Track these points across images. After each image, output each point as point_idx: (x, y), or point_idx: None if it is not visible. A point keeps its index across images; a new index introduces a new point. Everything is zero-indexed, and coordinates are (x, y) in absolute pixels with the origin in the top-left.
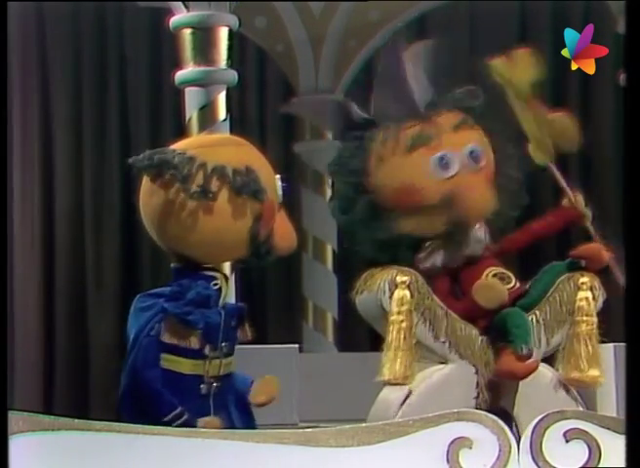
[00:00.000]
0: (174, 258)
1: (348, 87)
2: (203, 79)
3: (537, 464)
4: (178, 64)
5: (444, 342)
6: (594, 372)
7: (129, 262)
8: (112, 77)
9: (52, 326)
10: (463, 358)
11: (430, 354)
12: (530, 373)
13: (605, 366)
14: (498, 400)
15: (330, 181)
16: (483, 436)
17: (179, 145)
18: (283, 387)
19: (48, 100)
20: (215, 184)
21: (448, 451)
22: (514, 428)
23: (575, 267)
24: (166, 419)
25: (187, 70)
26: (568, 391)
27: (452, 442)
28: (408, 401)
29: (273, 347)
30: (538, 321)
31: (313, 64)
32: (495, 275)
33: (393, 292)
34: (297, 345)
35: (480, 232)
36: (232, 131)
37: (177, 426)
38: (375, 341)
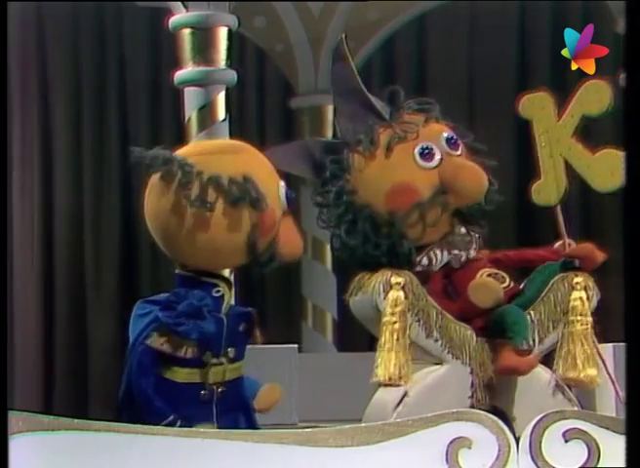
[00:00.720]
0: (177, 265)
1: None
2: (202, 79)
3: (536, 464)
4: (177, 64)
5: (438, 343)
6: (591, 372)
7: (128, 262)
8: (112, 77)
9: (51, 326)
10: (458, 358)
11: (425, 355)
12: (532, 368)
13: (608, 362)
14: (493, 400)
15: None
16: (482, 436)
17: (179, 151)
18: (282, 387)
19: (47, 100)
20: (211, 195)
21: (447, 451)
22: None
23: (569, 267)
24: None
25: (187, 70)
26: (564, 391)
27: (451, 442)
28: (403, 401)
29: (273, 347)
30: (532, 321)
31: (312, 64)
32: (489, 275)
33: (388, 293)
34: (296, 345)
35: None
36: (231, 131)
37: None
38: (374, 341)
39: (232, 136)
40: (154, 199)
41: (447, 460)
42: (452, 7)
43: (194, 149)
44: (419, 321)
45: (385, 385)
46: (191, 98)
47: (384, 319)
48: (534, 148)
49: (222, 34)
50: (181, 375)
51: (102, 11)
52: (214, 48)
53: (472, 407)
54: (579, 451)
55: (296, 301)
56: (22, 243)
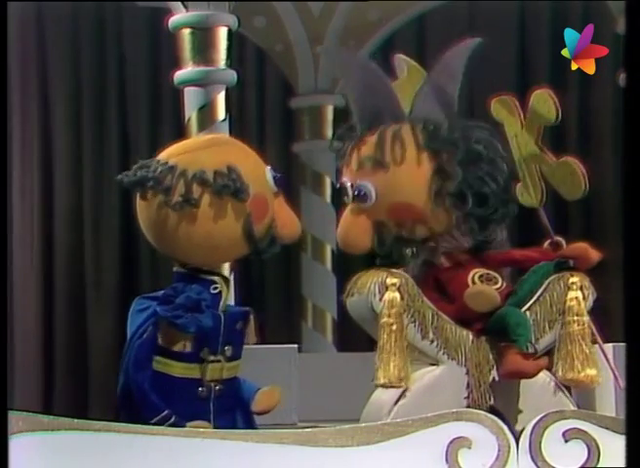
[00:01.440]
0: (176, 263)
1: None
2: (202, 79)
3: (536, 464)
4: (177, 64)
5: (434, 344)
6: (591, 372)
7: (128, 262)
8: (111, 77)
9: (51, 326)
10: (454, 359)
11: (421, 356)
12: (539, 370)
13: (603, 365)
14: (489, 400)
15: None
16: (482, 436)
17: (163, 154)
18: (282, 387)
19: (47, 100)
20: (196, 191)
21: (447, 451)
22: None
23: (563, 267)
24: (153, 422)
25: (187, 70)
26: (561, 391)
27: (451, 442)
28: (400, 402)
29: (272, 347)
30: (530, 322)
31: (312, 64)
32: (481, 276)
33: (383, 294)
34: (296, 345)
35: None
36: (231, 131)
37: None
38: (374, 341)
39: (232, 135)
40: (144, 211)
41: (447, 460)
42: (452, 7)
43: (175, 150)
44: (414, 322)
45: (386, 387)
46: (191, 98)
47: (382, 321)
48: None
49: (222, 34)
50: (178, 370)
51: (102, 11)
52: (214, 48)
53: (468, 407)
54: (578, 451)
55: (296, 301)
56: (22, 243)
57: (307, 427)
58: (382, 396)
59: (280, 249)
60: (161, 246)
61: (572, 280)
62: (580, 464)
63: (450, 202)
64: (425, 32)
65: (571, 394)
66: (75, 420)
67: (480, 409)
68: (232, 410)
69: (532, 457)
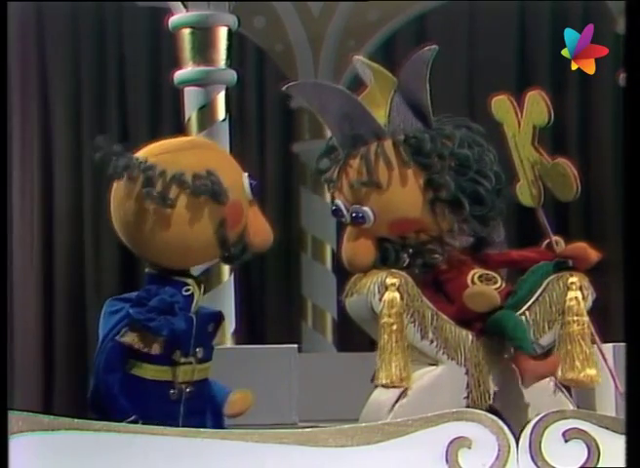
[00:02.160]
0: (147, 264)
1: (347, 86)
2: (202, 79)
3: (536, 464)
4: (177, 64)
5: (434, 344)
6: (591, 372)
7: (128, 263)
8: (111, 77)
9: (51, 326)
10: (453, 359)
11: (421, 356)
12: (557, 367)
13: (603, 365)
14: (489, 400)
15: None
16: (482, 436)
17: (141, 152)
18: (282, 387)
19: (47, 100)
20: (173, 191)
21: (447, 451)
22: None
23: (562, 267)
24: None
25: (186, 70)
26: (561, 391)
27: (451, 441)
28: (399, 402)
29: (272, 347)
30: (527, 321)
31: (312, 64)
32: (480, 276)
33: (383, 294)
34: (296, 345)
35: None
36: (231, 131)
37: None
38: (374, 342)
39: (232, 135)
40: (119, 204)
41: (447, 460)
42: (452, 7)
43: (155, 150)
44: (414, 322)
45: (388, 387)
46: (191, 98)
47: (382, 321)
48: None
49: (222, 34)
50: (150, 372)
51: (102, 11)
52: (214, 48)
53: (468, 407)
54: (578, 451)
55: (296, 301)
56: (22, 243)
57: (307, 427)
58: (381, 396)
59: (251, 256)
60: (134, 245)
61: (571, 280)
62: (579, 464)
63: (447, 208)
64: (425, 32)
65: (571, 394)
66: (75, 420)
67: (480, 408)
68: (202, 412)
69: (532, 457)
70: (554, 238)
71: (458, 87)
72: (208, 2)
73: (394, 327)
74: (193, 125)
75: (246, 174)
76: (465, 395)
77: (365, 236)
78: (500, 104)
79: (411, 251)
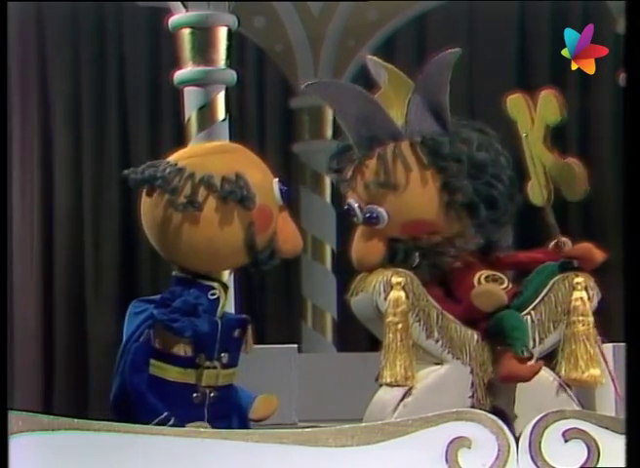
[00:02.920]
0: (175, 267)
1: None
2: (202, 79)
3: (535, 464)
4: (177, 64)
5: (439, 343)
6: (594, 372)
7: (128, 263)
8: (111, 77)
9: (51, 326)
10: (458, 358)
11: (426, 355)
12: (534, 375)
13: (609, 361)
14: (493, 400)
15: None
16: (482, 436)
17: (172, 156)
18: (282, 387)
19: (47, 100)
20: (202, 194)
21: (447, 451)
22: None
23: (568, 267)
24: (152, 424)
25: (186, 70)
26: (564, 391)
27: (451, 441)
28: (404, 401)
29: (272, 347)
30: (533, 321)
31: (312, 64)
32: (487, 277)
33: (388, 293)
34: (296, 345)
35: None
36: (231, 131)
37: None
38: (374, 341)
39: (232, 135)
40: (148, 211)
41: (447, 460)
42: (452, 7)
43: (185, 153)
44: (419, 321)
45: (392, 386)
46: (191, 98)
47: (387, 320)
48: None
49: (222, 34)
50: (173, 374)
51: (102, 11)
52: (213, 48)
53: (473, 406)
54: (578, 451)
55: (296, 301)
56: (22, 243)
57: (307, 427)
58: (386, 395)
59: (279, 263)
60: (163, 248)
61: (577, 280)
62: (579, 464)
63: (462, 212)
64: (425, 32)
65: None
66: (75, 420)
67: (484, 408)
68: (227, 418)
69: (532, 457)
70: (562, 239)
71: (458, 87)
72: (208, 2)
73: (399, 326)
74: (193, 125)
75: (276, 179)
76: (470, 394)
77: (377, 236)
78: (515, 103)
79: (421, 251)
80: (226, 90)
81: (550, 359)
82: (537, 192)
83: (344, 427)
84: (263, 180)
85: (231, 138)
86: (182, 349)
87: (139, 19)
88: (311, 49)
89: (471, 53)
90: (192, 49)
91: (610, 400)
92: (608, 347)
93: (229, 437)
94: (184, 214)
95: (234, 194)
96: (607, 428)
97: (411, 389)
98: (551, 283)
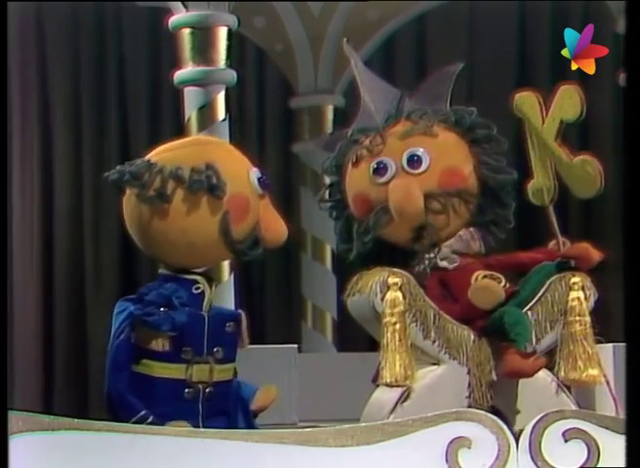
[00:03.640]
0: (161, 265)
1: (347, 86)
2: (202, 79)
3: (535, 464)
4: (177, 64)
5: (436, 343)
6: (593, 372)
7: (128, 262)
8: (111, 77)
9: (51, 326)
10: (455, 359)
11: (422, 355)
12: (537, 370)
13: (604, 365)
14: (491, 400)
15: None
16: (482, 435)
17: (150, 154)
18: (282, 387)
19: (47, 100)
20: (170, 186)
21: (447, 451)
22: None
23: (564, 267)
24: (131, 422)
25: (186, 70)
26: (563, 391)
27: (451, 441)
28: (401, 401)
29: (272, 347)
30: (530, 321)
31: (312, 64)
32: (485, 277)
33: (385, 293)
34: (296, 345)
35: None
36: (231, 131)
37: None
38: (374, 342)
39: (232, 135)
40: (126, 209)
41: (446, 460)
42: (452, 7)
43: (160, 149)
44: (416, 321)
45: (392, 387)
46: (191, 98)
47: (385, 320)
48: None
49: (222, 34)
50: (157, 370)
51: (102, 11)
52: (213, 48)
53: (470, 407)
54: (578, 451)
55: (295, 301)
56: (22, 243)
57: (307, 427)
58: (383, 396)
59: (262, 251)
60: (142, 244)
61: (573, 280)
62: (579, 464)
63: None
64: (425, 32)
65: (570, 394)
66: (75, 420)
67: (481, 408)
68: (226, 414)
69: (531, 457)
70: (561, 239)
71: (457, 87)
72: (208, 2)
73: (397, 326)
74: (193, 125)
75: (255, 168)
76: (467, 395)
77: (416, 185)
78: (526, 100)
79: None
80: (226, 90)
81: (552, 360)
82: (538, 192)
83: (344, 427)
84: (238, 170)
85: (231, 138)
86: (161, 344)
87: (138, 19)
88: (311, 49)
89: (471, 53)
90: (192, 49)
91: (610, 400)
92: (608, 347)
93: (229, 437)
94: (155, 208)
95: (200, 183)
96: (607, 428)
97: (408, 389)
98: (548, 283)
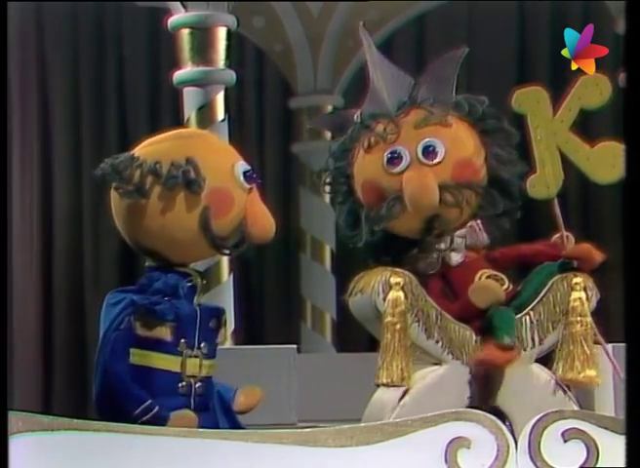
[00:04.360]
0: (147, 257)
1: (346, 86)
2: (201, 79)
3: (535, 464)
4: (176, 64)
5: (439, 344)
6: (591, 373)
7: (127, 262)
8: (111, 77)
9: (51, 326)
10: (458, 358)
11: (424, 355)
12: (508, 363)
13: (603, 366)
14: (492, 400)
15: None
16: (481, 436)
17: (136, 148)
18: (282, 387)
19: (47, 101)
20: (149, 181)
21: (446, 451)
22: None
23: (566, 268)
24: (136, 413)
25: (186, 70)
26: (563, 392)
27: (450, 441)
28: (402, 402)
29: (272, 348)
30: (532, 321)
31: (312, 64)
32: (488, 277)
33: (387, 293)
34: (295, 346)
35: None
36: (231, 131)
37: (149, 420)
38: (373, 342)
39: (232, 136)
40: (112, 203)
41: (446, 460)
42: (451, 7)
43: (144, 143)
44: (418, 321)
45: (388, 387)
46: (190, 98)
47: (385, 320)
48: (531, 144)
49: (222, 34)
50: (157, 361)
51: (102, 11)
52: (213, 48)
53: (471, 407)
54: (578, 451)
55: (295, 302)
56: (22, 243)
57: (307, 427)
58: (384, 395)
59: (248, 247)
60: (129, 238)
61: (575, 280)
62: (579, 464)
63: (497, 188)
64: (425, 32)
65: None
66: (75, 420)
67: (483, 408)
68: (213, 410)
69: (531, 457)
70: (565, 233)
71: (457, 87)
72: (207, 2)
73: (398, 326)
74: (192, 125)
75: (240, 162)
76: (469, 394)
77: (430, 176)
78: (531, 94)
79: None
80: (226, 90)
81: (549, 359)
82: (540, 185)
83: (344, 427)
84: (221, 163)
85: (231, 139)
86: (165, 333)
87: (138, 19)
88: (311, 49)
89: (471, 53)
90: (191, 49)
91: (609, 400)
92: (607, 347)
93: (229, 437)
94: (135, 203)
95: (176, 179)
96: (606, 428)
97: (410, 389)
98: (550, 283)
